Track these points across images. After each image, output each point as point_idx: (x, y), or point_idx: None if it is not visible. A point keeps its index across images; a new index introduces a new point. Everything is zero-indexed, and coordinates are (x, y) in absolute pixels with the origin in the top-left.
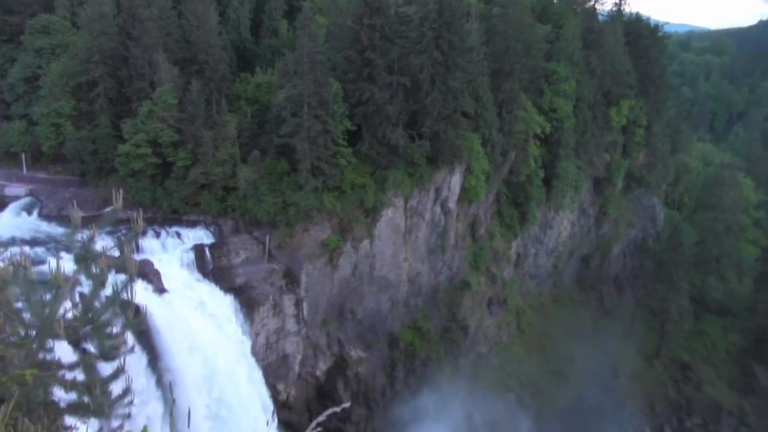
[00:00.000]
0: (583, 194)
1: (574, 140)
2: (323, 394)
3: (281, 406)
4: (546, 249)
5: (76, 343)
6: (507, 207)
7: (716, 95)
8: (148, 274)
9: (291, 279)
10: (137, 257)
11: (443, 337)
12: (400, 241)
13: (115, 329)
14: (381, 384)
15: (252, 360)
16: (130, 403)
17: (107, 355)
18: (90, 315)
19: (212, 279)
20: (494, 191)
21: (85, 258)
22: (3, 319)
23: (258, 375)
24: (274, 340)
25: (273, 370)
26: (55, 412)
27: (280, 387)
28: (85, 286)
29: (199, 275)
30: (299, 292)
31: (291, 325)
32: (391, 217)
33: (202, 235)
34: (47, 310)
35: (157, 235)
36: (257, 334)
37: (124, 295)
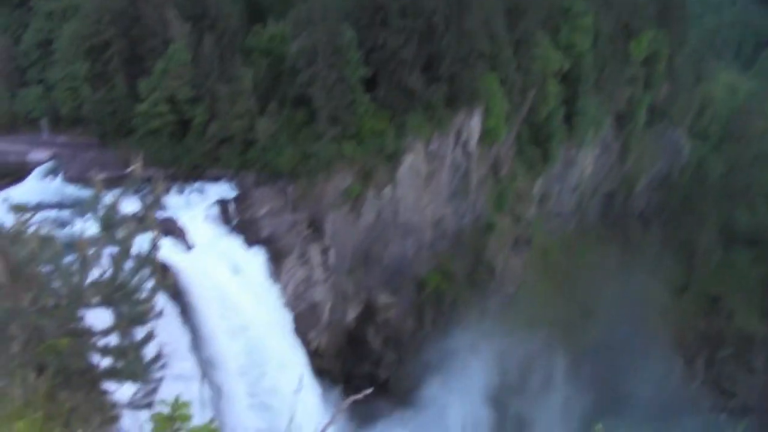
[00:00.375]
0: (605, 130)
1: (594, 76)
2: (354, 341)
3: (313, 354)
4: (569, 187)
5: (106, 310)
6: (528, 146)
7: (743, 22)
8: (174, 231)
9: (315, 228)
10: (162, 215)
11: (470, 279)
12: (422, 186)
13: (143, 294)
14: (410, 328)
15: (282, 310)
16: (163, 366)
17: (137, 320)
18: (118, 281)
19: (237, 232)
20: (514, 131)
21: (110, 225)
22: (35, 290)
23: (288, 324)
24: (302, 290)
25: (303, 319)
26: (92, 378)
27: (311, 336)
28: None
29: (224, 229)
30: (324, 241)
31: (318, 274)
32: (412, 162)
33: (224, 190)
34: (76, 280)
35: (180, 192)
36: (285, 285)
37: (151, 260)
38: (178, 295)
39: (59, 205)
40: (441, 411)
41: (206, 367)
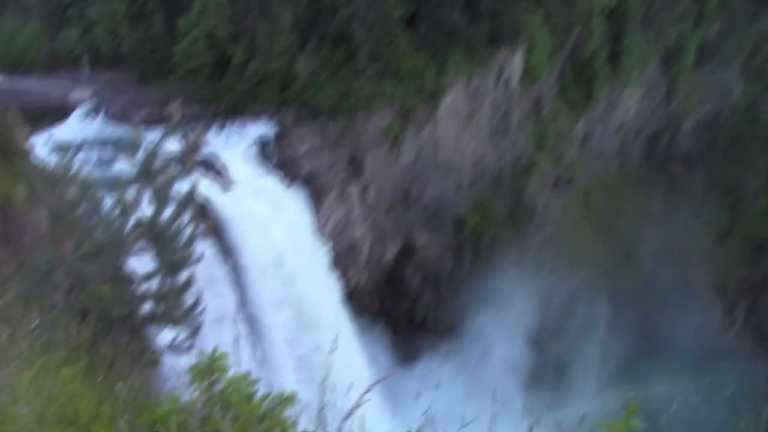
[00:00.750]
0: (652, 70)
1: (641, 13)
2: (392, 279)
3: (351, 292)
4: (612, 127)
5: (147, 256)
6: (571, 86)
7: None
8: (214, 169)
9: (355, 167)
10: (201, 154)
11: (509, 219)
12: (462, 125)
13: (183, 239)
14: (448, 267)
15: (321, 248)
16: (202, 311)
17: (177, 265)
18: (158, 227)
19: (277, 171)
20: (557, 70)
21: (149, 171)
22: (76, 238)
23: (327, 262)
24: (341, 228)
25: (341, 257)
26: (133, 324)
27: (350, 274)
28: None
29: (263, 168)
30: (364, 180)
31: (357, 213)
32: (452, 100)
33: (263, 128)
34: (116, 226)
35: (220, 130)
36: (324, 223)
37: (190, 205)
38: (218, 234)
39: (101, 144)
40: (481, 350)
41: (245, 304)
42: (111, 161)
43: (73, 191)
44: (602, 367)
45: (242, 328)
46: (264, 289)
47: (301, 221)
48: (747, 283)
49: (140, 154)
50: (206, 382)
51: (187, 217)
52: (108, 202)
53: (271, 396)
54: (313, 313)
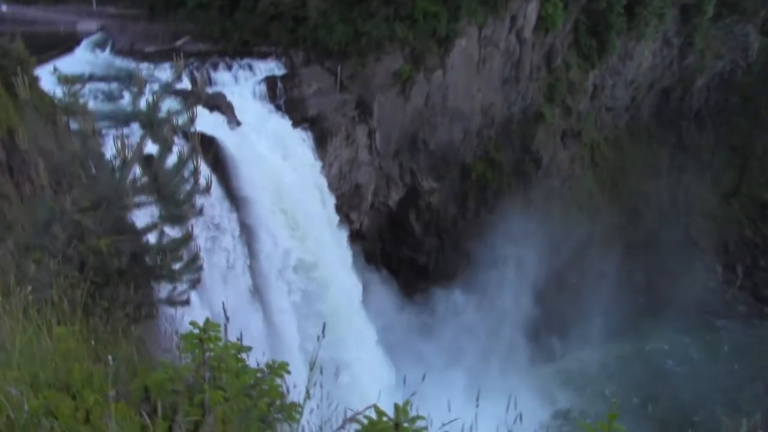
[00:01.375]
0: (668, 23)
1: None
2: (395, 224)
3: (354, 235)
4: (625, 81)
5: (147, 210)
6: (585, 36)
7: None
8: (221, 106)
9: (363, 110)
10: (209, 90)
11: (515, 169)
12: (473, 72)
13: (184, 193)
14: (452, 214)
15: (326, 189)
16: (200, 268)
17: (177, 220)
18: (158, 182)
19: (284, 111)
20: (572, 20)
21: (152, 123)
22: (76, 191)
23: (331, 204)
24: (347, 171)
25: (346, 200)
26: (131, 278)
27: (353, 216)
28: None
29: (271, 107)
30: (372, 123)
31: (364, 156)
32: (465, 46)
33: (273, 67)
34: (117, 179)
35: (229, 67)
36: (330, 165)
37: (193, 159)
38: (223, 170)
39: (108, 78)
40: (482, 298)
41: (247, 237)
42: (118, 96)
43: (73, 142)
44: (604, 320)
45: (245, 270)
46: (268, 229)
47: (306, 162)
48: (748, 244)
49: (143, 103)
50: (198, 351)
51: (189, 170)
52: (109, 152)
53: (263, 365)
54: (317, 254)
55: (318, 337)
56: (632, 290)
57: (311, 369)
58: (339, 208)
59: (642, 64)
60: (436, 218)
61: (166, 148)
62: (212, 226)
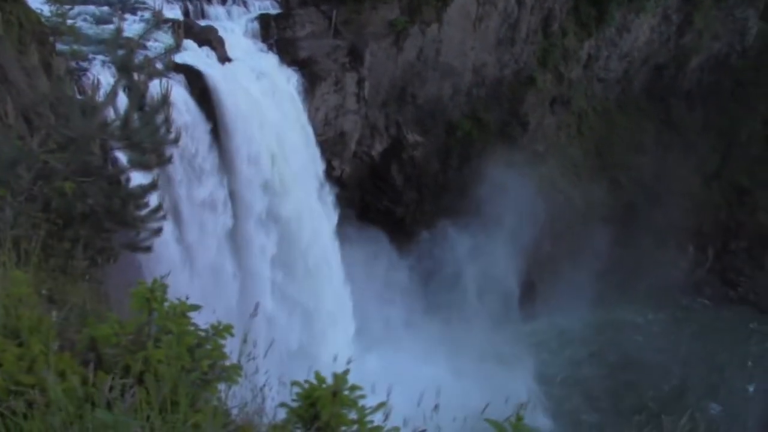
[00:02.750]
0: None
1: None
2: (377, 174)
3: (335, 182)
4: (620, 53)
5: (116, 154)
6: (585, 4)
7: None
8: (212, 41)
9: (355, 57)
10: (202, 23)
11: (502, 131)
12: (469, 29)
13: (154, 139)
14: (434, 170)
15: (310, 134)
16: (163, 217)
17: (144, 166)
18: (128, 128)
19: (275, 51)
20: None
21: (127, 67)
22: (44, 131)
23: (315, 149)
24: (333, 117)
25: (329, 146)
26: (95, 221)
27: (335, 163)
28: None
29: (262, 46)
30: (362, 71)
31: (351, 104)
32: (463, 3)
33: (268, 5)
34: (86, 122)
35: (223, 1)
36: (317, 109)
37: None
38: (209, 104)
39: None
40: (454, 257)
41: (229, 180)
42: (107, 20)
43: (44, 83)
44: (576, 288)
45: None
46: (250, 167)
47: (293, 104)
48: (722, 227)
49: (118, 51)
50: (145, 310)
51: (161, 117)
52: (80, 95)
53: (209, 326)
54: (296, 197)
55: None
56: (606, 261)
57: (244, 341)
58: (322, 154)
59: (639, 38)
60: (418, 172)
61: (138, 94)
62: (193, 161)
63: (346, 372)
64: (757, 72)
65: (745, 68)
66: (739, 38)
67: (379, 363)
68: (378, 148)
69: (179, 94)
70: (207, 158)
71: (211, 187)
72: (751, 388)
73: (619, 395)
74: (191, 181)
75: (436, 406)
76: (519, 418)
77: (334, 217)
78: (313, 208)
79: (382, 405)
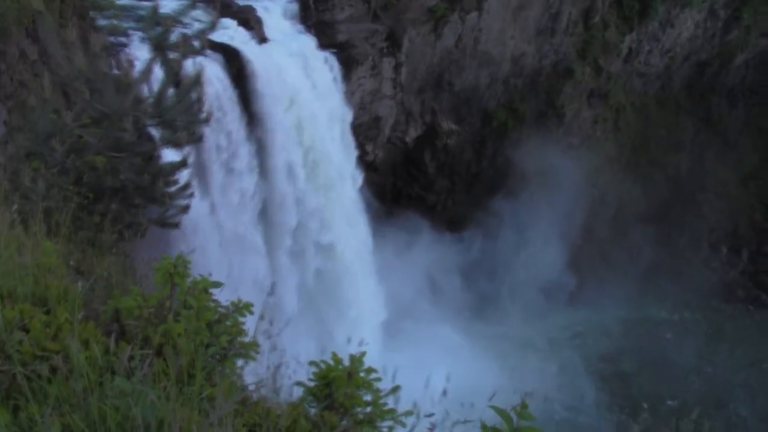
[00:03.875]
0: None
1: None
2: (409, 161)
3: (367, 167)
4: (661, 48)
5: (148, 131)
6: None
7: None
8: (250, 21)
9: (393, 42)
10: (241, 2)
11: (537, 122)
12: (509, 18)
13: (187, 118)
14: (468, 159)
15: (345, 118)
16: (191, 195)
17: (174, 146)
18: (160, 107)
19: (313, 33)
20: None
21: (162, 46)
22: (79, 106)
23: (349, 133)
24: (368, 102)
25: (364, 130)
26: (124, 197)
27: (369, 148)
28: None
29: (300, 27)
30: (399, 57)
31: (387, 89)
32: None
33: None
34: (120, 98)
35: None
36: (352, 93)
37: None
38: (245, 84)
39: None
40: (483, 247)
41: (262, 153)
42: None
43: (81, 58)
44: (606, 284)
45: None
46: (283, 149)
47: (329, 86)
48: (757, 229)
49: (156, 26)
50: (167, 285)
51: (194, 96)
52: (117, 71)
53: (229, 303)
54: (329, 177)
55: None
56: (638, 259)
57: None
58: (356, 138)
59: (682, 33)
60: (451, 160)
61: (172, 72)
62: (228, 140)
63: (363, 354)
64: None
65: None
66: None
67: (408, 351)
68: (412, 134)
69: (215, 72)
70: (240, 136)
71: (244, 164)
72: None
73: (644, 392)
74: (224, 159)
75: (445, 392)
76: (524, 406)
77: (360, 201)
78: (344, 190)
79: (396, 389)
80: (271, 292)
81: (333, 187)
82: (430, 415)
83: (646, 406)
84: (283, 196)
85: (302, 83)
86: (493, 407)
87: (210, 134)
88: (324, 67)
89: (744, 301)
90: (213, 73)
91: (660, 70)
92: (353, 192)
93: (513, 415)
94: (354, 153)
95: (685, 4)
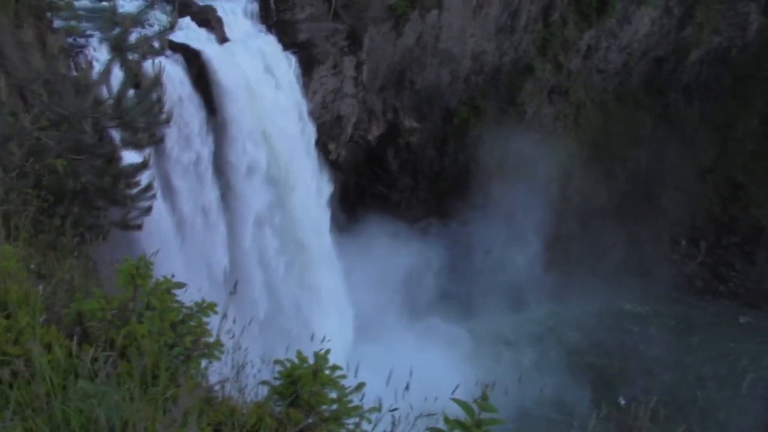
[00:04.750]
0: None
1: None
2: (372, 159)
3: (331, 165)
4: (619, 44)
5: (108, 133)
6: None
7: None
8: (211, 21)
9: (354, 41)
10: (201, 2)
11: (498, 119)
12: (469, 16)
13: (147, 120)
14: (430, 156)
15: (307, 117)
16: (153, 196)
17: (136, 146)
18: (120, 108)
19: (274, 33)
20: None
21: (121, 47)
22: (37, 109)
23: (311, 132)
24: (330, 100)
25: (326, 129)
26: (85, 199)
27: (332, 147)
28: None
29: (261, 27)
30: (361, 55)
31: (349, 88)
32: None
33: None
34: (79, 100)
35: None
36: (314, 92)
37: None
38: (205, 84)
39: None
40: (446, 243)
41: (222, 149)
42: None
43: (38, 59)
44: (567, 277)
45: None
46: (245, 146)
47: (291, 87)
48: (715, 221)
49: (113, 30)
50: (130, 286)
51: (154, 97)
52: (76, 72)
53: (192, 303)
54: (292, 178)
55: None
56: (599, 252)
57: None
58: (318, 138)
59: (639, 30)
60: (413, 158)
61: (131, 74)
62: (187, 137)
63: (327, 352)
64: (757, 67)
65: (745, 63)
66: (739, 33)
67: (376, 348)
68: (375, 132)
69: (176, 72)
70: (201, 136)
71: (204, 162)
72: (744, 383)
73: (609, 383)
74: (184, 156)
75: (407, 386)
76: (485, 398)
77: (326, 204)
78: (306, 187)
79: (361, 385)
80: (234, 290)
81: (295, 186)
82: (394, 409)
83: (622, 400)
84: (243, 194)
85: (264, 83)
86: (455, 399)
87: (171, 134)
88: (286, 67)
89: (703, 292)
90: (174, 73)
91: (618, 66)
92: (316, 190)
93: (475, 406)
94: (315, 150)
95: (641, 2)
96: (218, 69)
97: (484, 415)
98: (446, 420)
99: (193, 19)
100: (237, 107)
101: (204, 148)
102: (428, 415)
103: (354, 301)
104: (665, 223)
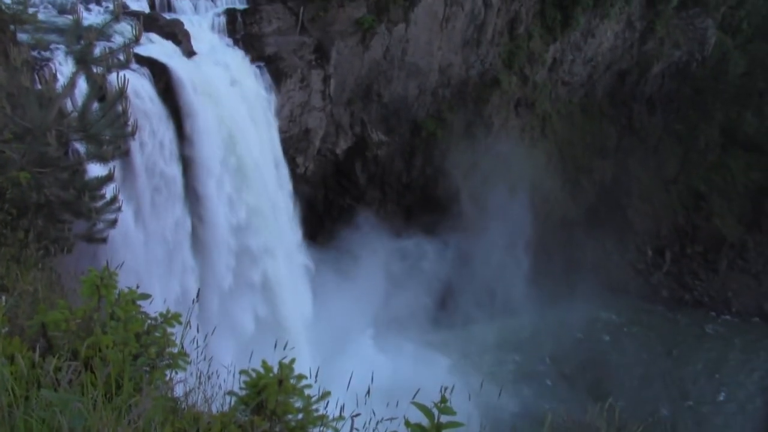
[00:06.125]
0: (633, 6)
1: None
2: (340, 172)
3: (298, 179)
4: (584, 57)
5: (72, 146)
6: (551, 8)
7: None
8: (178, 34)
9: (321, 54)
10: (168, 16)
11: (466, 131)
12: (436, 29)
13: (111, 132)
14: (398, 169)
15: (274, 130)
16: (119, 208)
17: (100, 158)
18: (85, 120)
19: (242, 46)
20: None
21: (85, 60)
22: (1, 122)
23: (278, 146)
24: (298, 114)
25: (294, 143)
26: (49, 212)
27: (299, 160)
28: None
29: (228, 41)
30: (328, 69)
31: (316, 101)
32: (431, 3)
33: (235, 0)
34: (43, 113)
35: None
36: (282, 106)
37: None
38: (172, 98)
39: None
40: (415, 255)
41: (190, 179)
42: (70, 10)
43: (1, 73)
44: (532, 289)
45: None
46: (213, 161)
47: (258, 100)
48: (679, 231)
49: (77, 43)
50: (94, 297)
51: (119, 110)
52: (40, 86)
53: (157, 314)
54: (256, 187)
55: (193, 301)
56: (565, 262)
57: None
58: (286, 151)
59: (603, 43)
60: (381, 171)
61: (96, 86)
62: (155, 151)
63: (293, 361)
64: (715, 81)
65: (704, 77)
66: (698, 47)
67: (346, 359)
68: (342, 146)
69: (143, 86)
70: (168, 149)
71: (172, 176)
72: (719, 396)
73: (574, 393)
74: (152, 171)
75: (368, 392)
76: (443, 401)
77: (292, 209)
78: (274, 200)
79: (327, 394)
80: (197, 299)
81: (262, 196)
82: (357, 415)
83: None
84: (213, 210)
85: (230, 95)
86: (414, 403)
87: (137, 148)
88: (253, 80)
89: (668, 301)
90: (140, 86)
91: (583, 78)
92: (286, 204)
93: (434, 410)
94: (283, 163)
95: (604, 15)
96: (185, 82)
97: (444, 419)
98: (407, 424)
99: (159, 32)
100: (205, 121)
101: (171, 163)
102: (390, 419)
103: (322, 317)
104: (631, 233)
